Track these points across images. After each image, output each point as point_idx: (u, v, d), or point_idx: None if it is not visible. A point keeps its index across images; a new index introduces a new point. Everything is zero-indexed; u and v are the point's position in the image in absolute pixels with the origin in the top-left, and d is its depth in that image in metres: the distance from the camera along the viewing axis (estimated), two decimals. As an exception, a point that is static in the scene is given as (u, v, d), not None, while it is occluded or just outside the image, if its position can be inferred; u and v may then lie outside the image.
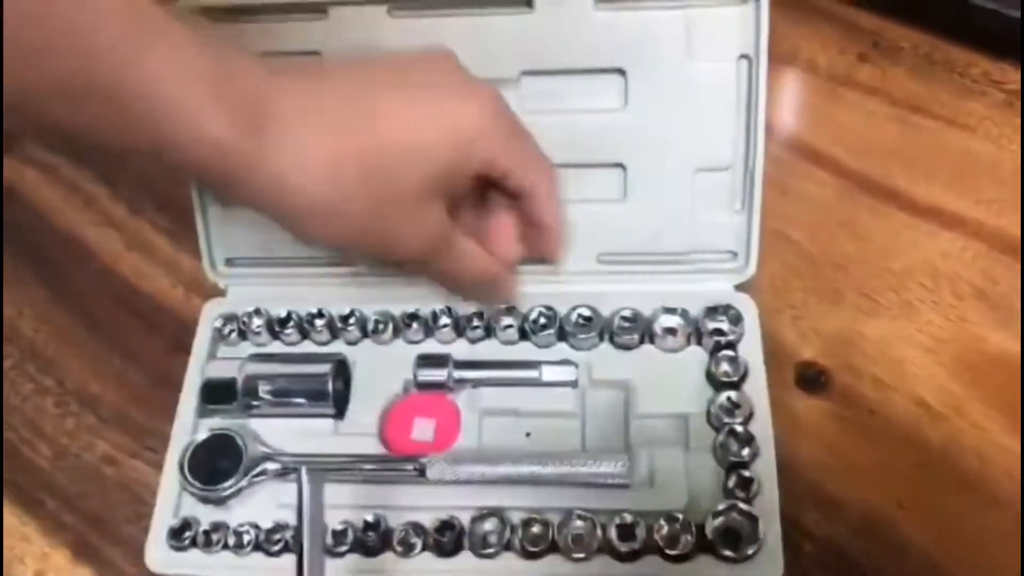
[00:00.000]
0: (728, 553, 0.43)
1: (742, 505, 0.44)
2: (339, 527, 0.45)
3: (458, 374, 0.49)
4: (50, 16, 0.29)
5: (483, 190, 0.46)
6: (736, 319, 0.50)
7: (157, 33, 0.32)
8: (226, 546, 0.46)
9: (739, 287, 0.52)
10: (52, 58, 0.29)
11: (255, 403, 0.49)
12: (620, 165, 0.50)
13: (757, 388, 0.48)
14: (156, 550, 0.46)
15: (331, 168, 0.36)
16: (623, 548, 0.43)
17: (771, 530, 0.44)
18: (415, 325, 0.51)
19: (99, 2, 0.30)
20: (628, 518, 0.44)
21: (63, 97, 0.31)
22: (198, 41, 0.33)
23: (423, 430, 0.49)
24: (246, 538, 0.46)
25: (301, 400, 0.49)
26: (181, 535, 0.46)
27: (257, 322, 0.52)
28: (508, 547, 0.45)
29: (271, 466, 0.47)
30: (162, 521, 0.46)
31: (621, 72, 0.49)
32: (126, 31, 0.31)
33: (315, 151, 0.35)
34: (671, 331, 0.50)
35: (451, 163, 0.39)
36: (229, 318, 0.53)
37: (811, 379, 0.51)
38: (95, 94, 0.31)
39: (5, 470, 0.52)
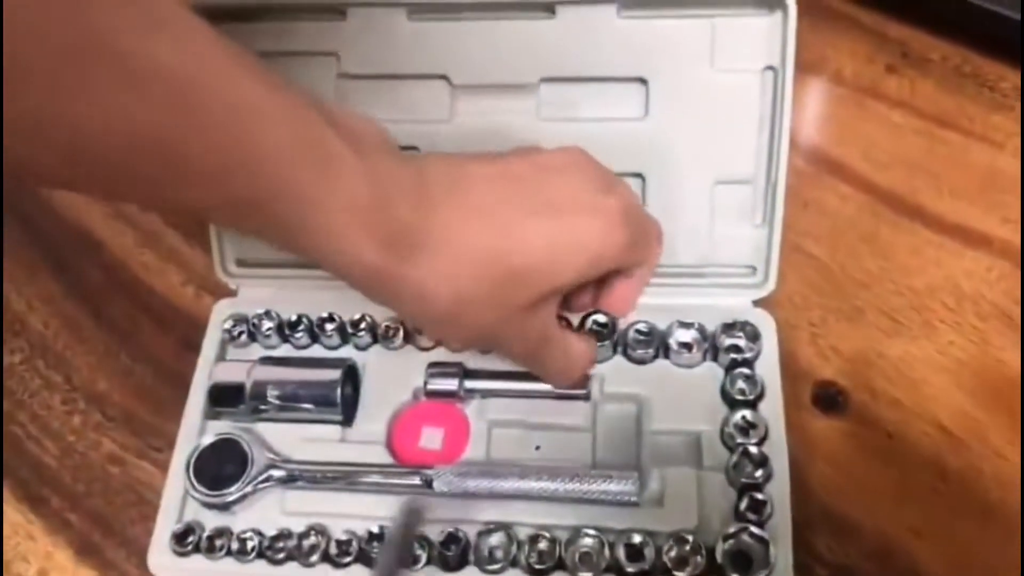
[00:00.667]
0: (738, 577, 0.42)
1: (754, 528, 0.43)
2: (343, 537, 0.45)
3: (469, 383, 0.49)
4: (230, 147, 0.30)
5: None
6: (754, 336, 0.49)
7: (324, 164, 0.33)
8: (229, 552, 0.45)
9: (757, 303, 0.51)
10: (227, 184, 0.31)
11: (263, 407, 0.48)
12: (639, 175, 0.49)
13: (773, 408, 0.47)
14: (159, 554, 0.46)
15: (468, 285, 0.37)
16: (631, 568, 0.42)
17: (783, 555, 0.43)
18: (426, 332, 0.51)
19: (276, 134, 0.31)
20: (637, 538, 0.43)
21: (228, 209, 0.33)
22: (358, 164, 0.34)
23: (431, 439, 0.48)
24: (250, 545, 0.45)
25: (309, 406, 0.48)
26: (184, 540, 0.45)
27: (267, 324, 0.51)
28: (514, 563, 0.44)
29: (277, 473, 0.46)
30: (166, 525, 0.46)
31: (643, 81, 0.48)
32: (297, 162, 0.32)
33: (456, 270, 0.37)
34: (687, 346, 0.49)
35: (578, 277, 0.40)
36: (239, 319, 0.52)
37: (829, 399, 0.50)
38: (260, 212, 0.33)
39: (12, 466, 0.51)
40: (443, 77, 0.49)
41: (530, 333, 0.41)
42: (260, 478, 0.46)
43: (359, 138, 0.35)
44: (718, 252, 0.50)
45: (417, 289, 0.37)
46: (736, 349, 0.48)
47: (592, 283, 0.44)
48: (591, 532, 0.44)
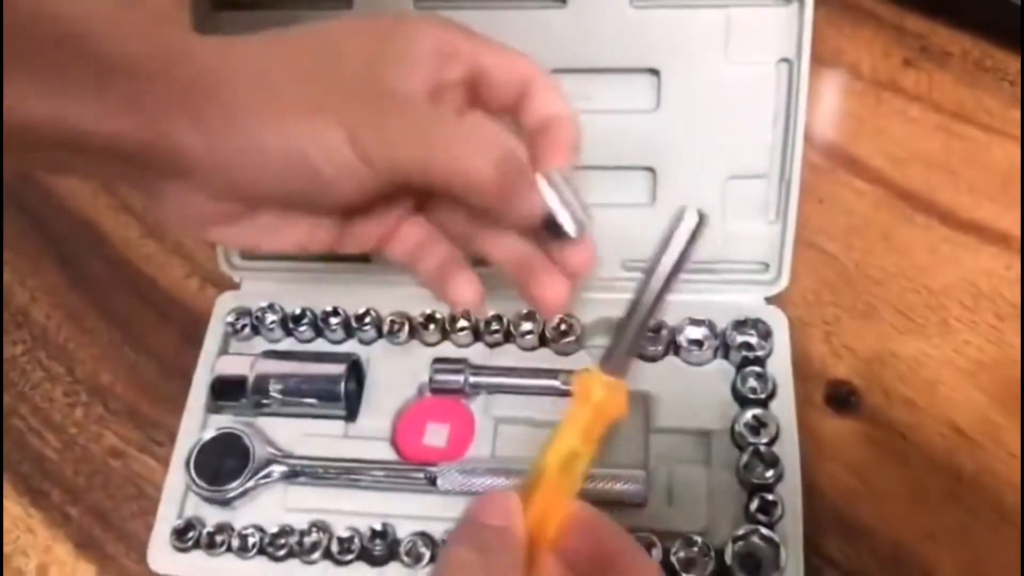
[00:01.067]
0: (747, 580, 0.41)
1: (764, 530, 0.42)
2: (345, 534, 0.44)
3: (474, 379, 0.48)
4: None
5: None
6: (766, 333, 0.48)
7: None
8: (230, 549, 0.44)
9: (770, 300, 0.50)
10: None
11: (265, 401, 0.48)
12: (650, 169, 0.48)
13: (785, 407, 0.46)
14: (159, 550, 0.45)
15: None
16: (638, 570, 0.42)
17: (793, 557, 0.42)
18: (432, 327, 0.50)
19: None
20: (644, 538, 0.42)
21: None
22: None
23: (436, 435, 0.48)
24: (251, 541, 0.44)
25: (312, 401, 0.48)
26: (184, 536, 0.45)
27: (271, 318, 0.51)
28: (519, 563, 0.43)
29: (278, 468, 0.46)
30: (166, 520, 0.45)
31: (655, 72, 0.47)
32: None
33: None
34: (697, 343, 0.48)
35: (382, 41, 0.35)
36: (242, 313, 0.51)
37: (841, 399, 0.49)
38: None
39: (13, 459, 0.51)
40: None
41: (401, 129, 0.34)
42: (261, 473, 0.45)
43: None
44: (730, 248, 0.49)
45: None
46: (748, 347, 0.48)
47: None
48: (597, 532, 0.43)
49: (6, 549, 0.48)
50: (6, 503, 0.49)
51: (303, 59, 0.34)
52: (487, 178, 0.34)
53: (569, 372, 0.47)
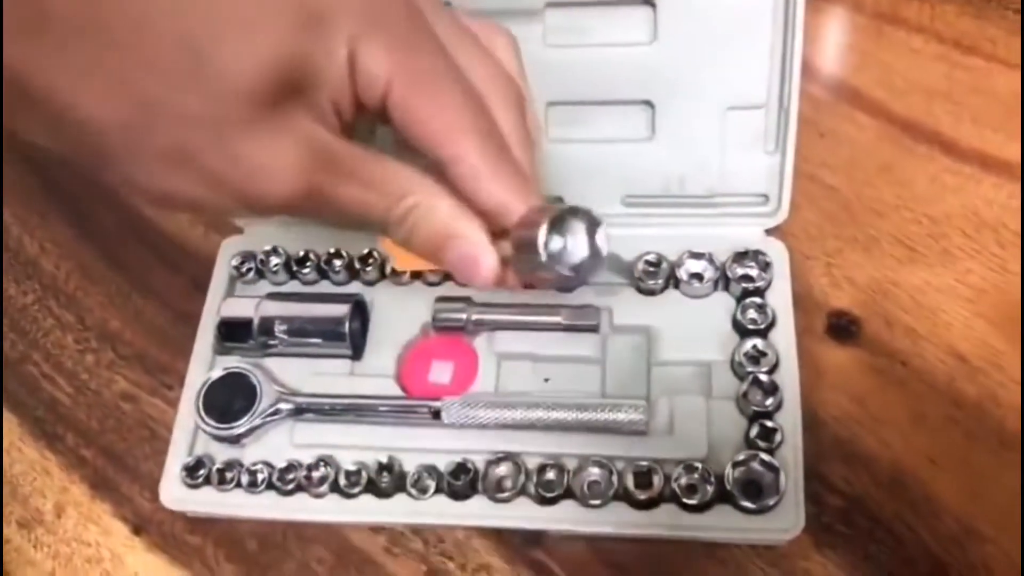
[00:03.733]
0: (747, 504, 0.42)
1: (764, 456, 0.42)
2: (352, 467, 0.45)
3: (477, 316, 0.48)
4: None
5: None
6: (765, 265, 0.48)
7: None
8: (239, 484, 0.45)
9: (770, 232, 0.50)
10: None
11: (272, 342, 0.48)
12: (648, 102, 0.48)
13: (785, 336, 0.46)
14: (170, 487, 0.46)
15: (142, 76, 0.26)
16: (640, 496, 0.42)
17: (793, 482, 0.42)
18: (434, 266, 0.50)
19: None
20: (645, 465, 0.43)
21: None
22: None
23: (440, 373, 0.48)
24: (260, 476, 0.45)
25: (318, 340, 0.48)
26: (195, 472, 0.46)
27: (275, 261, 0.51)
28: (523, 492, 0.44)
29: (285, 406, 0.46)
30: (177, 458, 0.46)
31: (651, 4, 0.46)
32: None
33: (98, 58, 0.26)
34: (697, 276, 0.48)
35: (296, 48, 0.28)
36: (247, 256, 0.52)
37: (842, 328, 0.49)
38: None
39: (28, 404, 0.52)
40: (445, 2, 0.48)
41: (286, 148, 0.28)
42: (269, 411, 0.46)
43: None
44: (729, 180, 0.49)
45: (68, 99, 0.26)
46: (748, 279, 0.48)
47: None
48: (600, 460, 0.43)
49: (23, 491, 0.49)
50: (22, 447, 0.50)
51: None
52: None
53: (570, 307, 0.48)
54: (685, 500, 0.42)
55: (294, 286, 0.52)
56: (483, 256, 0.32)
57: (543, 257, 0.29)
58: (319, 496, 0.45)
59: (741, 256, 0.48)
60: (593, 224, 0.30)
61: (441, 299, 0.49)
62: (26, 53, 0.26)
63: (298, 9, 0.28)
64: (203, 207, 0.30)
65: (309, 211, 0.31)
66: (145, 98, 0.27)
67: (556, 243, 0.30)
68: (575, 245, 0.30)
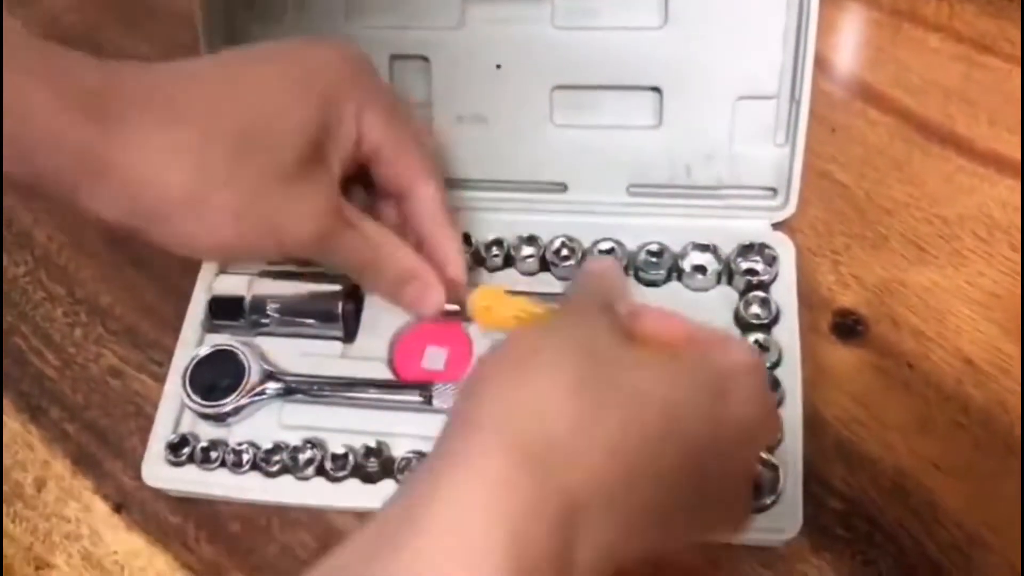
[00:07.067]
0: (744, 502, 0.40)
1: (763, 453, 0.41)
2: (340, 451, 0.44)
3: (475, 304, 0.47)
4: None
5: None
6: (771, 259, 0.47)
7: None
8: (223, 463, 0.44)
9: (777, 226, 0.48)
10: None
11: (263, 321, 0.47)
12: (656, 89, 0.47)
13: (788, 332, 0.45)
14: (153, 465, 0.45)
15: (193, 154, 0.33)
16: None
17: (792, 481, 0.41)
18: (432, 250, 0.49)
19: None
20: (640, 460, 0.41)
21: None
22: (25, 39, 0.32)
23: (434, 359, 0.47)
24: (244, 457, 0.44)
25: (310, 321, 0.47)
26: (179, 450, 0.45)
27: (270, 239, 0.50)
28: (514, 482, 0.43)
29: (274, 385, 0.45)
30: (161, 435, 0.45)
31: (662, -13, 0.45)
32: None
33: (171, 137, 0.33)
34: (700, 269, 0.47)
35: (320, 121, 0.37)
36: (242, 233, 0.51)
37: (847, 328, 0.48)
38: None
39: (13, 377, 0.51)
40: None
41: (310, 207, 0.37)
42: (256, 390, 0.45)
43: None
44: (737, 172, 0.48)
45: (127, 168, 0.32)
46: (752, 272, 0.47)
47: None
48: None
49: (5, 463, 0.48)
50: (5, 420, 0.49)
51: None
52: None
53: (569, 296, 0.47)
54: (680, 496, 0.41)
55: (288, 265, 0.51)
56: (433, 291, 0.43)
57: None
58: (304, 479, 0.44)
59: (746, 249, 0.47)
60: None
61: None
62: (102, 133, 0.32)
63: (320, 94, 0.37)
64: (247, 254, 0.44)
65: (320, 253, 0.40)
66: (212, 168, 0.34)
67: None
68: None
